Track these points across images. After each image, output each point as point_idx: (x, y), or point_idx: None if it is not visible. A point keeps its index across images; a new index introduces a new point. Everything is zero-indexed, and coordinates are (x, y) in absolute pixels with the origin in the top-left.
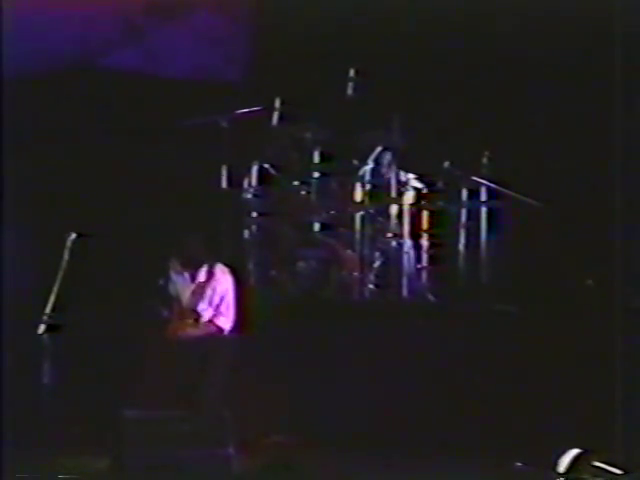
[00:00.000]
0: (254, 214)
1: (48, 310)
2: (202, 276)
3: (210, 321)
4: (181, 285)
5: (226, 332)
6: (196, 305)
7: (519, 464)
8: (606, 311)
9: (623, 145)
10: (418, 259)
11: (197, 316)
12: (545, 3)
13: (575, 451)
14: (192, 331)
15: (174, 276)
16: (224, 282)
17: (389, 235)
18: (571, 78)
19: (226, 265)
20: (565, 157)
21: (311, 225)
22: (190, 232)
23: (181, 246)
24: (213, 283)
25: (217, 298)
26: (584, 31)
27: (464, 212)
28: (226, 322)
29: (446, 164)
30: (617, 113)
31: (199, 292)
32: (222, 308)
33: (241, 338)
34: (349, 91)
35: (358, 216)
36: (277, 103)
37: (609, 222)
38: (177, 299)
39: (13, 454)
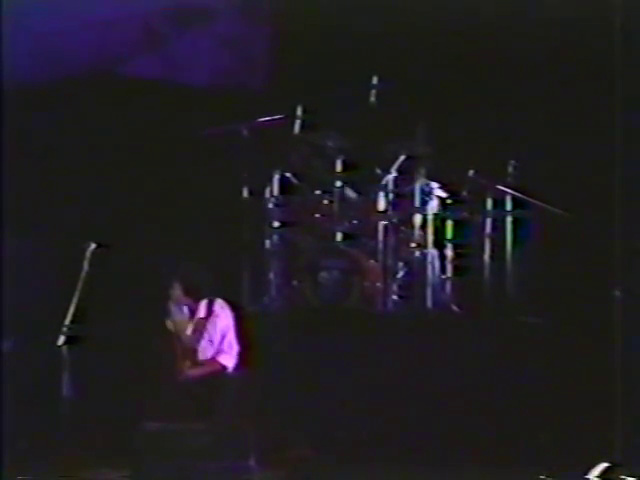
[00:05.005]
0: (275, 224)
1: (67, 321)
2: (201, 312)
3: (213, 359)
4: (180, 321)
5: (230, 369)
6: (197, 343)
7: (543, 477)
8: (635, 321)
9: None
10: (442, 269)
11: (199, 354)
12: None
13: (605, 464)
14: (195, 370)
15: (174, 310)
16: (224, 318)
17: (413, 245)
18: (601, 86)
19: (225, 300)
20: (594, 165)
21: (333, 235)
22: (194, 261)
23: (184, 274)
24: (213, 319)
25: (218, 335)
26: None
27: (489, 222)
28: (229, 359)
29: (471, 173)
30: None
31: (199, 329)
32: (224, 345)
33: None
34: (372, 99)
35: (381, 226)
36: (299, 111)
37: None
38: (177, 337)
39: (32, 465)
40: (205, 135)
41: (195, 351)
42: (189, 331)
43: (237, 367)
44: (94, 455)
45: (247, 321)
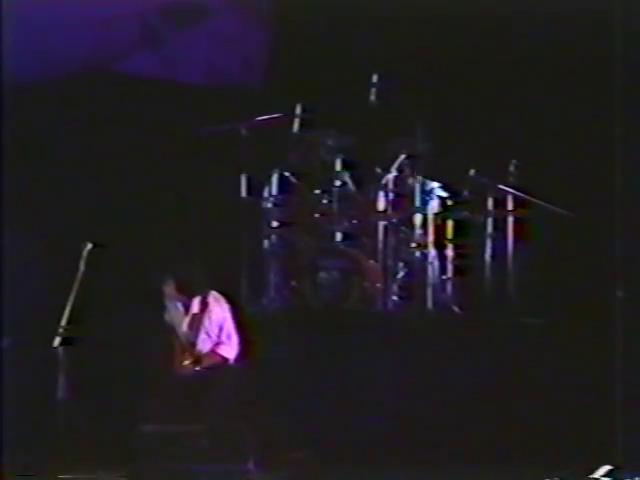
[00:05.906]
0: (274, 223)
1: (63, 322)
2: (196, 307)
3: (213, 351)
4: (176, 316)
5: (231, 361)
6: (195, 337)
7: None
8: (636, 322)
9: None
10: (443, 270)
11: (198, 348)
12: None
13: (608, 466)
14: (195, 364)
15: (169, 306)
16: (219, 310)
17: (413, 245)
18: (601, 85)
19: (220, 293)
20: (594, 165)
21: (333, 235)
22: (189, 258)
23: (179, 271)
24: (208, 313)
25: (215, 328)
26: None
27: (490, 221)
28: (229, 351)
29: (472, 172)
30: None
31: (196, 324)
32: (223, 337)
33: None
34: (372, 97)
35: (381, 225)
36: (298, 110)
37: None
38: (174, 332)
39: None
40: (203, 134)
41: (194, 346)
42: (186, 326)
43: (238, 359)
44: (91, 456)
45: (245, 322)
